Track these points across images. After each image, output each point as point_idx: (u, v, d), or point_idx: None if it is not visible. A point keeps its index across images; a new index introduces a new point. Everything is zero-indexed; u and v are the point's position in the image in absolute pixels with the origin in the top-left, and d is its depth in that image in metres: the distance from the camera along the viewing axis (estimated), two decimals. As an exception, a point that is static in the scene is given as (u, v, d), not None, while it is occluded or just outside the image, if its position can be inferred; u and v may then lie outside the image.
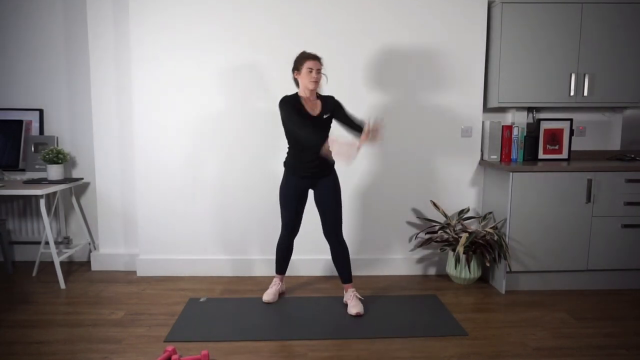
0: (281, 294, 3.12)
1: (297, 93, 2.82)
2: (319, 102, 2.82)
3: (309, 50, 2.88)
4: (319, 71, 2.73)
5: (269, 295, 2.99)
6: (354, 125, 2.82)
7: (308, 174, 2.80)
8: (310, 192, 3.31)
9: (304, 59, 2.73)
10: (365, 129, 2.61)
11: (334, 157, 2.62)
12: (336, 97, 3.15)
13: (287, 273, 3.50)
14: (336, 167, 3.31)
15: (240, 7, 3.29)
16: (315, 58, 2.73)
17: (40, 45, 3.59)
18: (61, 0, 3.54)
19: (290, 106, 2.72)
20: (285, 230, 2.94)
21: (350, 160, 2.76)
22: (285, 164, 2.88)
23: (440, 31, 3.36)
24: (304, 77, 2.73)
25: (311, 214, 3.45)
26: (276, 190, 3.44)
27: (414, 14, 3.34)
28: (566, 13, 3.25)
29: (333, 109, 2.83)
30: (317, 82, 2.73)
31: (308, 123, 2.71)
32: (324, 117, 2.80)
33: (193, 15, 3.29)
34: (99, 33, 3.41)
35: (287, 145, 2.88)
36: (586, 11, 3.26)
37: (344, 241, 2.89)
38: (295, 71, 2.78)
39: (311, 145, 2.74)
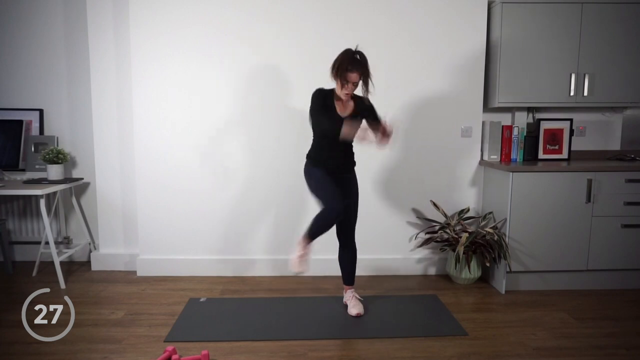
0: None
1: (333, 89, 2.67)
2: (351, 103, 2.70)
3: (349, 48, 2.59)
4: (355, 84, 2.54)
5: (303, 265, 2.55)
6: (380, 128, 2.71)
7: (331, 169, 2.69)
8: None
9: (343, 69, 2.50)
10: (381, 128, 2.57)
11: (363, 141, 2.56)
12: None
13: (287, 273, 3.51)
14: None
15: (239, 10, 3.29)
16: (355, 70, 2.49)
17: (40, 45, 3.59)
18: (61, 0, 3.55)
19: (320, 104, 2.61)
20: (330, 211, 2.52)
21: (380, 139, 2.61)
22: (309, 156, 2.76)
23: (440, 31, 3.36)
24: (338, 86, 2.57)
25: (312, 212, 3.45)
26: (276, 189, 3.44)
27: (413, 14, 3.34)
28: (566, 13, 3.25)
29: (365, 112, 2.71)
30: (349, 94, 2.58)
31: (326, 125, 2.61)
32: (354, 119, 2.64)
33: (193, 16, 3.29)
34: (99, 33, 3.41)
35: (312, 138, 2.75)
36: (586, 11, 3.26)
37: (355, 243, 2.86)
38: (334, 72, 2.56)
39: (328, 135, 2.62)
